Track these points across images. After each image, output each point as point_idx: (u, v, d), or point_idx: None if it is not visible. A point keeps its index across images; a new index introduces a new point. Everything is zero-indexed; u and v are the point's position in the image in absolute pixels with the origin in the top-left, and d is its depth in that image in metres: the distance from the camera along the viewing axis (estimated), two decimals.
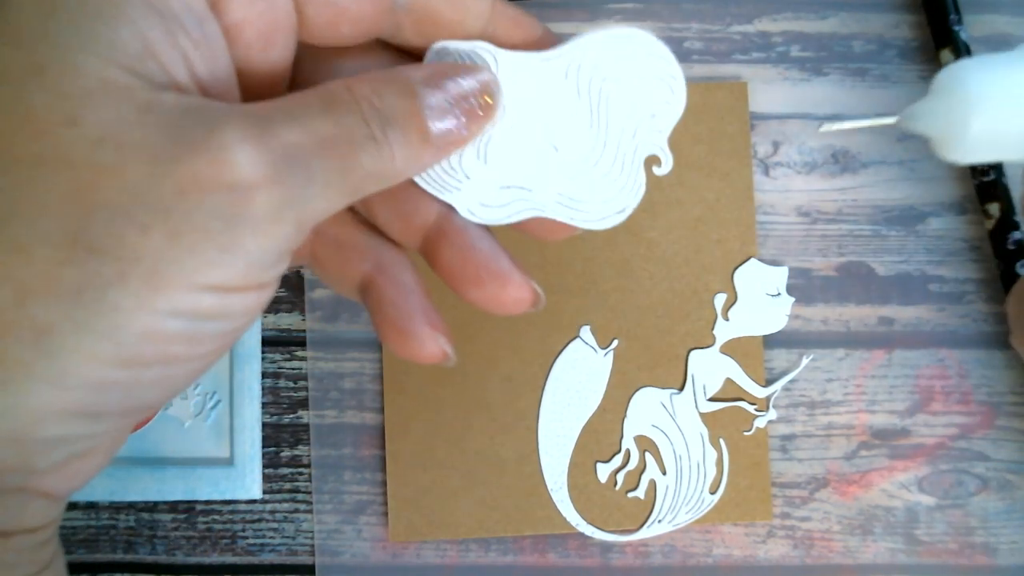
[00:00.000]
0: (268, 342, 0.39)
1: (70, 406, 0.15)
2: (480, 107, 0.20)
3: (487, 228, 0.22)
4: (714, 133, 0.39)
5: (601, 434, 0.39)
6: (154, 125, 0.15)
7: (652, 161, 0.22)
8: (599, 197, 0.22)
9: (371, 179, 0.18)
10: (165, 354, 0.16)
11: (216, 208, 0.15)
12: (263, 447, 0.39)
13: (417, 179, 0.21)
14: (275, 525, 0.39)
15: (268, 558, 0.39)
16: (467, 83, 0.20)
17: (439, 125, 0.19)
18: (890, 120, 0.24)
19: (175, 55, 0.16)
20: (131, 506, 0.39)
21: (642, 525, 0.38)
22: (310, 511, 0.39)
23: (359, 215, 0.22)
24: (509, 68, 0.21)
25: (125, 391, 0.16)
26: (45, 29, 0.15)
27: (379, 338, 0.21)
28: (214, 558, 0.39)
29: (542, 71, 0.21)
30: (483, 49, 0.21)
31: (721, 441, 0.38)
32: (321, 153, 0.17)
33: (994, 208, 0.38)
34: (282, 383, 0.39)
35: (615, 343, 0.39)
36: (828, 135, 0.22)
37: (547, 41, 0.22)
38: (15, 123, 0.14)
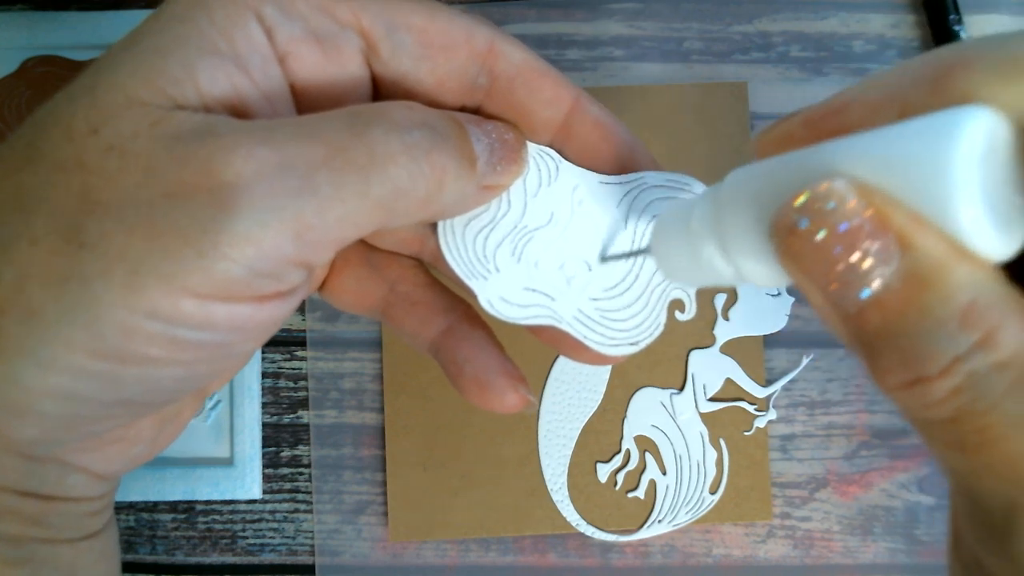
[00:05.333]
0: (268, 342, 0.39)
1: (52, 388, 0.16)
2: (516, 153, 0.20)
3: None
4: (714, 133, 0.39)
5: (601, 434, 0.39)
6: (159, 137, 0.16)
7: (676, 305, 0.22)
8: (617, 325, 0.21)
9: (408, 199, 0.17)
10: (143, 354, 0.16)
11: (195, 212, 0.15)
12: (263, 447, 0.39)
13: (448, 258, 0.21)
14: (275, 525, 0.39)
15: (268, 558, 0.39)
16: (503, 127, 0.20)
17: (483, 158, 0.19)
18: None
19: (224, 87, 0.17)
20: (131, 506, 0.39)
21: (642, 525, 0.38)
22: (310, 511, 0.39)
23: (433, 277, 0.23)
24: (568, 178, 0.21)
25: (104, 383, 0.17)
26: (113, 59, 0.17)
27: (459, 393, 0.22)
28: (214, 558, 0.38)
29: (598, 192, 0.21)
30: (547, 153, 0.21)
31: (721, 441, 0.38)
32: (332, 164, 0.16)
33: None
34: (282, 383, 0.39)
35: None
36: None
37: (624, 157, 0.22)
38: (57, 130, 0.16)
